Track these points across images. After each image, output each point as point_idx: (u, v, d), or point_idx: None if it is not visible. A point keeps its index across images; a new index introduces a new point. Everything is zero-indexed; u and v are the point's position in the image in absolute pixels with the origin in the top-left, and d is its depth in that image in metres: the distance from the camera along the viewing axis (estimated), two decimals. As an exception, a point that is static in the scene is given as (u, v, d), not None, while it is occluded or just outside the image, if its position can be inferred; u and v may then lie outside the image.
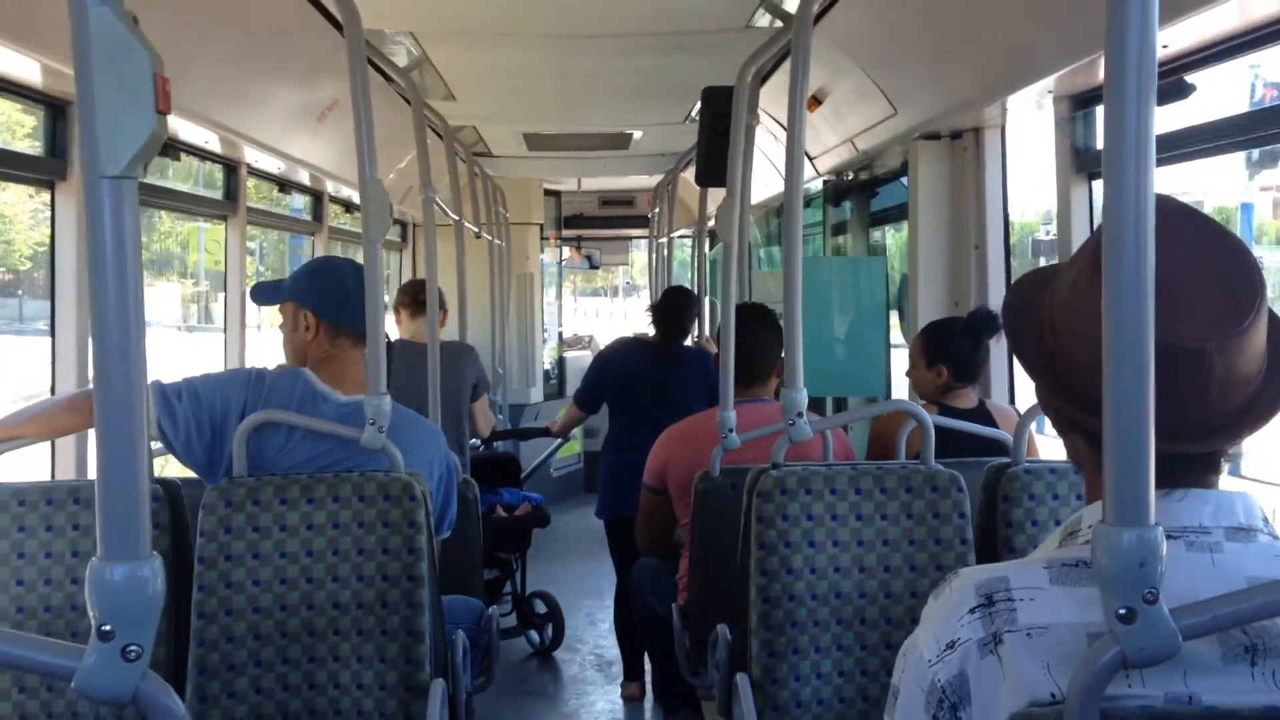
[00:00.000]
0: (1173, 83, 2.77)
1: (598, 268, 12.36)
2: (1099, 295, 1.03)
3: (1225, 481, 1.23)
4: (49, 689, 2.48)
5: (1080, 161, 3.50)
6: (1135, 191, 0.99)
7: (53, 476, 3.22)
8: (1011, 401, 4.18)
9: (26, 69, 2.84)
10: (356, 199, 6.51)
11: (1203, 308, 1.15)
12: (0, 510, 2.51)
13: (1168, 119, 2.86)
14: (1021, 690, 1.15)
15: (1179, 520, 1.18)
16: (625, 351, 5.30)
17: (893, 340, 5.24)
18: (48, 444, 3.15)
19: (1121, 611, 1.03)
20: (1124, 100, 0.99)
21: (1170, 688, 1.12)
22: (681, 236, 10.81)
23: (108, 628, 1.06)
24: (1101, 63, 1.01)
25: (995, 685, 1.17)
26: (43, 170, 3.19)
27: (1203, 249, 1.19)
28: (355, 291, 2.71)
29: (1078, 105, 3.44)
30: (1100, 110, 3.33)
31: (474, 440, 5.35)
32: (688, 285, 7.02)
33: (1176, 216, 1.19)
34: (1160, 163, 1.03)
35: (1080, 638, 1.14)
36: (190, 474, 2.76)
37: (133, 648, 1.06)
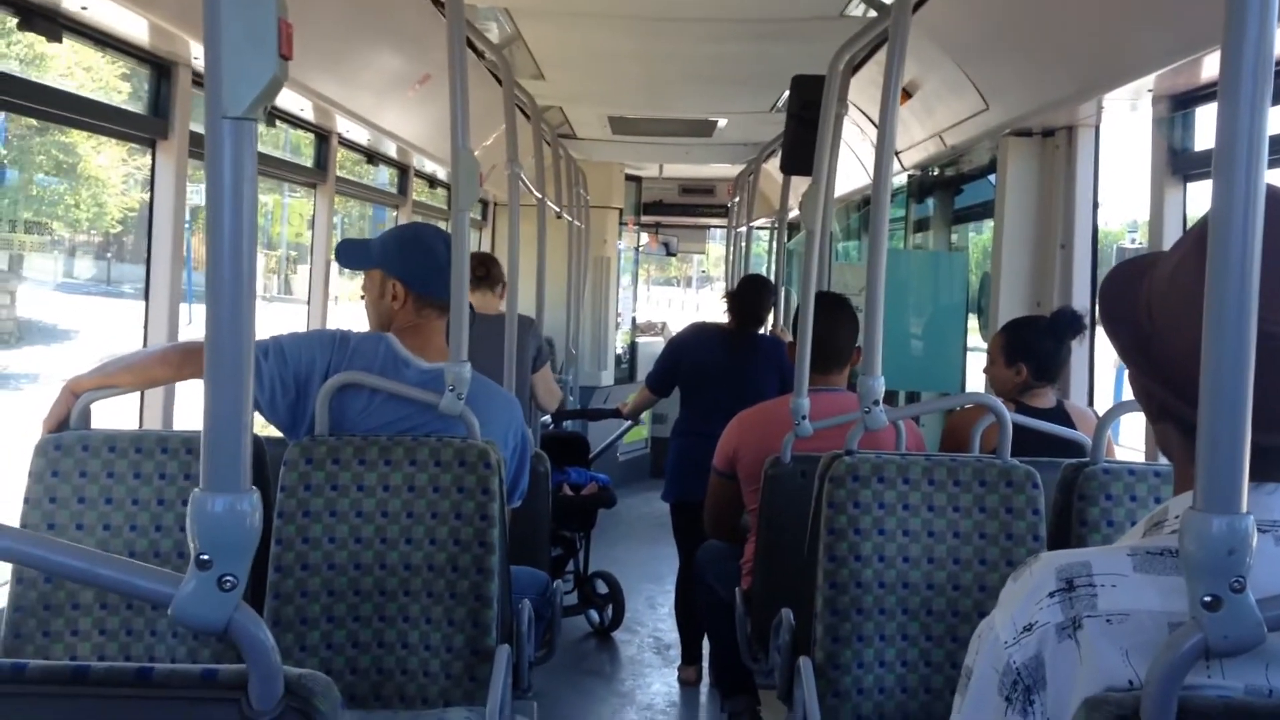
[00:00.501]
0: None
1: (675, 254, 12.38)
2: (1200, 282, 1.02)
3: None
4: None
5: (1176, 163, 3.43)
6: (1245, 189, 0.99)
7: (140, 426, 3.31)
8: (1090, 404, 4.12)
9: (134, 27, 2.91)
10: (441, 174, 6.64)
11: None
12: (91, 456, 2.58)
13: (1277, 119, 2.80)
14: (1098, 676, 1.14)
15: (1268, 514, 1.16)
16: (700, 336, 5.30)
17: (969, 341, 5.20)
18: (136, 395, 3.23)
19: (1207, 599, 1.02)
20: (1238, 95, 0.99)
21: (1251, 679, 1.11)
22: (759, 227, 10.78)
23: (206, 557, 1.09)
24: (1204, 62, 1.01)
25: (1072, 670, 1.17)
26: (145, 128, 3.27)
27: None
28: (445, 264, 2.72)
29: (1177, 105, 3.38)
30: (1200, 111, 3.27)
31: (544, 418, 5.38)
32: (764, 275, 7.00)
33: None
34: (1271, 164, 1.02)
35: (1161, 626, 1.13)
36: (272, 433, 2.82)
37: (228, 578, 1.10)
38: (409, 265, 2.81)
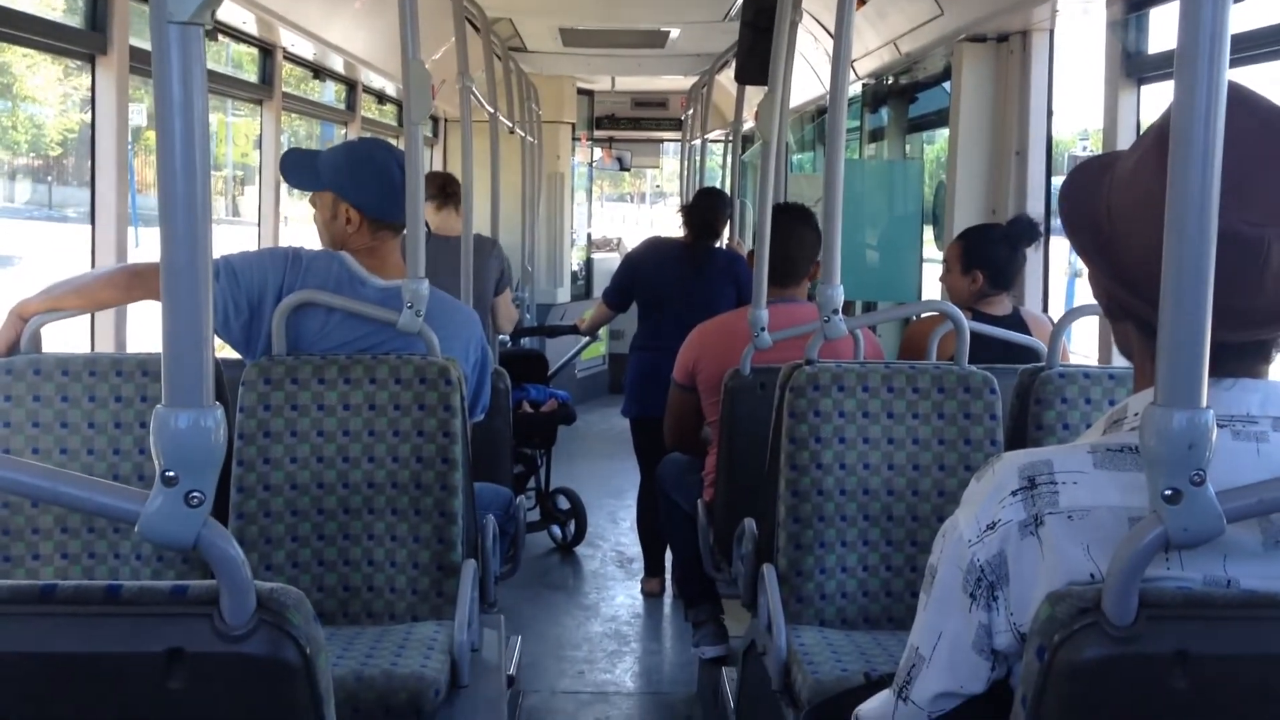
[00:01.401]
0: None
1: (628, 169, 12.29)
2: (1160, 181, 1.02)
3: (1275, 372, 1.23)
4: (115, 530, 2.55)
5: (1130, 66, 3.43)
6: (1207, 86, 0.99)
7: (92, 349, 3.25)
8: (1045, 311, 4.17)
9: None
10: (390, 89, 6.51)
11: (1264, 195, 1.14)
12: (44, 380, 2.54)
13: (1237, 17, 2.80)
14: (1060, 570, 1.16)
15: (1226, 408, 1.18)
16: (656, 251, 5.27)
17: (925, 250, 5.21)
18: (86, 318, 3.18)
19: (1167, 492, 1.04)
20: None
21: (1209, 571, 1.14)
22: (714, 140, 10.71)
23: (171, 473, 1.08)
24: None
25: (1034, 566, 1.19)
26: (84, 43, 3.16)
27: (1265, 136, 1.18)
28: (400, 186, 2.65)
29: (1131, 7, 3.37)
30: (1155, 13, 3.25)
31: (502, 336, 5.36)
32: (719, 188, 6.96)
33: (1241, 103, 1.17)
34: (1232, 63, 1.02)
35: (1122, 521, 1.15)
36: (229, 354, 2.79)
37: (195, 494, 1.09)
38: (362, 190, 2.73)
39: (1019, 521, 1.20)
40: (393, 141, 6.11)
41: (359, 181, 2.74)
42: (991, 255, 3.56)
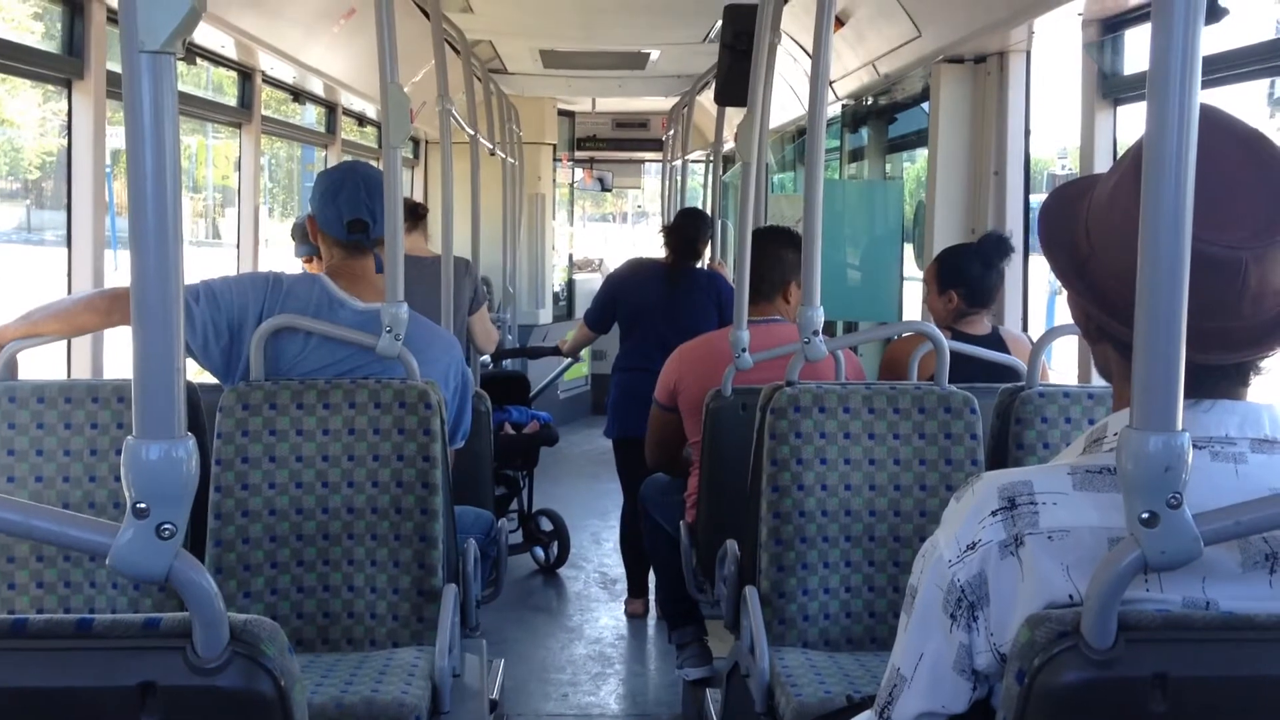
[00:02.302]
0: (1208, 5, 2.73)
1: (610, 190, 12.30)
2: (1137, 203, 1.03)
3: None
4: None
5: (1107, 87, 3.45)
6: (1179, 109, 0.99)
7: (69, 375, 3.23)
8: (1025, 330, 4.18)
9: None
10: (370, 112, 6.51)
11: (1239, 217, 1.15)
12: (19, 407, 2.52)
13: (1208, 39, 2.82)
14: (1040, 592, 1.16)
15: (1205, 430, 1.18)
16: (637, 273, 5.28)
17: (905, 270, 5.23)
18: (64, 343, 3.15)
19: (1144, 515, 1.03)
20: (1171, 13, 0.98)
21: (1189, 593, 1.14)
22: (695, 161, 10.74)
23: (143, 505, 1.07)
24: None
25: (1014, 586, 1.19)
26: (60, 68, 3.15)
27: (1242, 159, 1.18)
28: (358, 199, 2.69)
29: (1107, 29, 3.39)
30: (1130, 34, 3.28)
31: (483, 358, 5.34)
32: (700, 209, 6.98)
33: (1217, 126, 1.18)
34: (1204, 85, 1.02)
35: (1101, 542, 1.15)
36: (207, 379, 2.77)
37: (167, 526, 1.08)
38: (315, 201, 2.79)
39: (999, 542, 1.20)
40: (373, 163, 6.11)
41: (315, 194, 2.81)
42: (965, 274, 3.57)
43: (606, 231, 27.41)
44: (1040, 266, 4.44)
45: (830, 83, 5.58)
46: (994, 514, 1.21)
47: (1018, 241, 4.21)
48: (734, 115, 5.30)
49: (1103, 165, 3.43)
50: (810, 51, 3.69)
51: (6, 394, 2.52)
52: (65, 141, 3.32)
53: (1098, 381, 2.98)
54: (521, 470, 5.64)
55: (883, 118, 5.89)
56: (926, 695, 1.26)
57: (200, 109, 4.45)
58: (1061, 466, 1.23)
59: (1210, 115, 1.18)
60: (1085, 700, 1.09)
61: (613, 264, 9.80)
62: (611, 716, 4.20)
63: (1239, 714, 1.11)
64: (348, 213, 2.71)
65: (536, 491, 5.84)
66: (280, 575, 2.58)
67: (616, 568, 5.63)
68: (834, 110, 6.25)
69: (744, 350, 3.22)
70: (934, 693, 1.25)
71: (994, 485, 1.23)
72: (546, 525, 5.83)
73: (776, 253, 3.61)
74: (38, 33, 3.47)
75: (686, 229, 5.13)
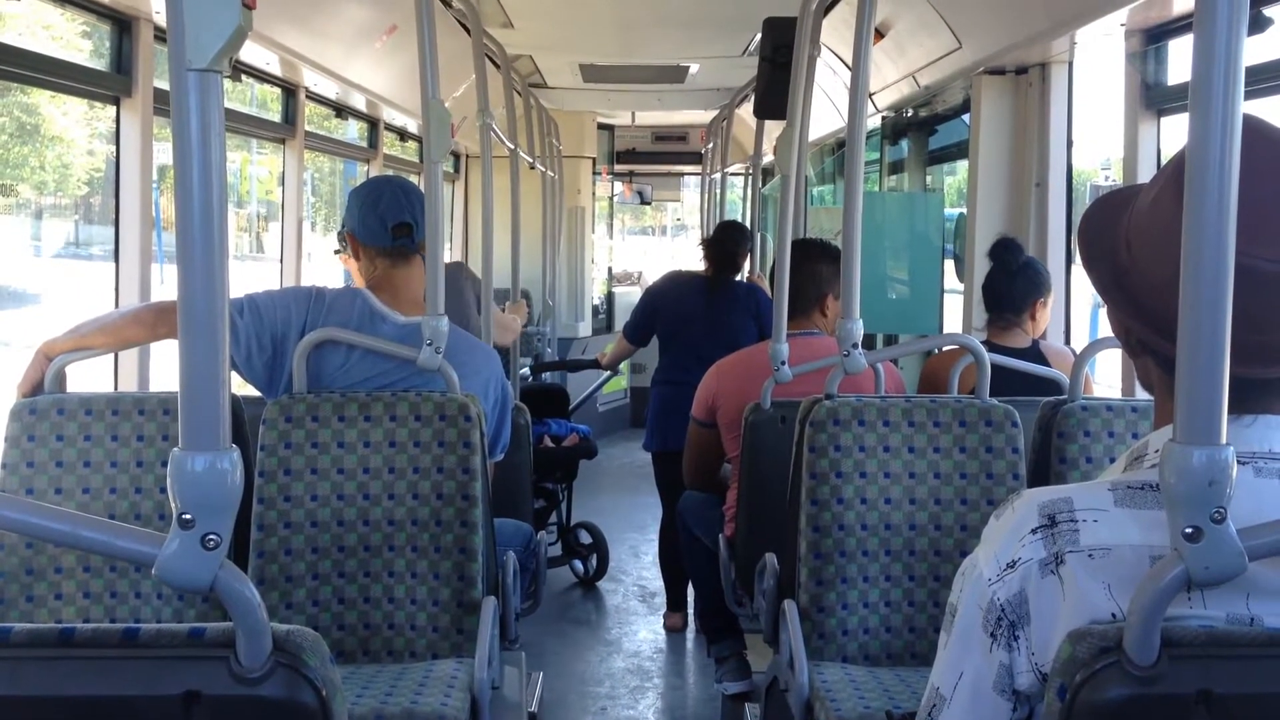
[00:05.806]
0: (1251, 15, 2.70)
1: (649, 203, 12.32)
2: (1178, 216, 1.02)
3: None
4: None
5: (1150, 98, 3.43)
6: (1221, 120, 0.98)
7: (115, 388, 3.28)
8: (1067, 343, 4.14)
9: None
10: (411, 127, 6.57)
11: None
12: (67, 419, 2.56)
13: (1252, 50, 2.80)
14: (1081, 610, 1.15)
15: (1248, 445, 1.17)
16: (676, 285, 5.28)
17: (946, 282, 5.20)
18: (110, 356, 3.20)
19: (1188, 530, 1.02)
20: (1214, 24, 0.98)
21: (1232, 609, 1.12)
22: (734, 174, 10.75)
23: (188, 516, 1.09)
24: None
25: (1055, 605, 1.18)
26: (109, 85, 3.21)
27: None
28: (386, 208, 2.73)
29: (1150, 39, 3.37)
30: (1173, 44, 3.26)
31: (524, 371, 5.35)
32: (740, 221, 6.97)
33: (1261, 137, 1.16)
34: (1247, 95, 1.01)
35: (1143, 560, 1.14)
36: (249, 391, 2.80)
37: (212, 536, 1.09)
38: (352, 215, 2.82)
39: (1039, 560, 1.19)
40: (413, 178, 6.16)
41: (351, 207, 2.84)
42: (988, 282, 3.56)
43: (646, 244, 27.42)
44: (1083, 279, 4.40)
45: (870, 95, 5.56)
46: (1034, 532, 1.20)
47: (1059, 254, 4.18)
48: (773, 128, 5.30)
49: (1146, 176, 3.39)
50: (850, 64, 3.69)
51: (55, 406, 2.56)
52: (113, 157, 3.38)
53: (1141, 395, 2.95)
54: (561, 483, 5.65)
55: (923, 130, 5.86)
56: (966, 715, 1.24)
57: (245, 125, 4.51)
58: (1102, 483, 1.22)
59: (1255, 126, 1.17)
60: (1128, 717, 1.08)
61: (652, 277, 9.82)
62: (650, 730, 4.19)
63: (1285, 732, 1.10)
64: (391, 217, 2.75)
65: (575, 504, 5.85)
66: (322, 587, 2.60)
67: (655, 581, 5.62)
68: (874, 122, 6.24)
69: (783, 363, 3.21)
70: (973, 713, 1.24)
71: (1034, 503, 1.22)
72: (585, 538, 5.84)
73: (812, 267, 3.60)
74: (85, 50, 3.53)
75: (726, 242, 5.13)
